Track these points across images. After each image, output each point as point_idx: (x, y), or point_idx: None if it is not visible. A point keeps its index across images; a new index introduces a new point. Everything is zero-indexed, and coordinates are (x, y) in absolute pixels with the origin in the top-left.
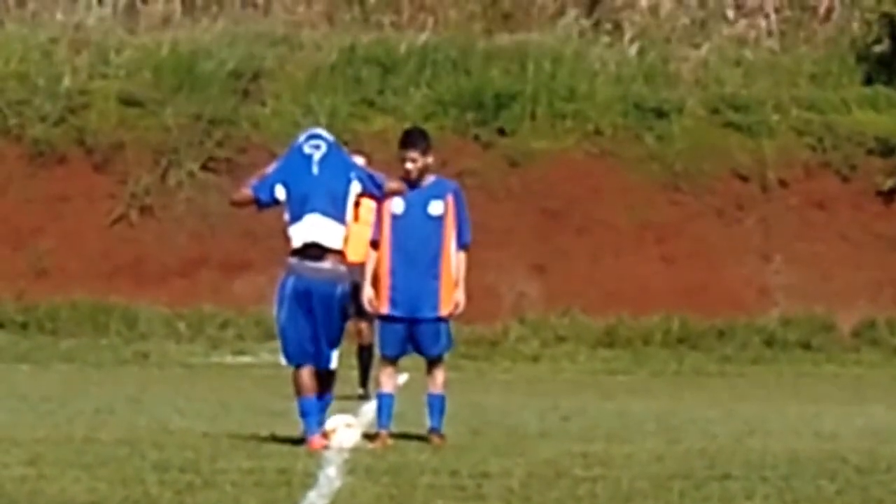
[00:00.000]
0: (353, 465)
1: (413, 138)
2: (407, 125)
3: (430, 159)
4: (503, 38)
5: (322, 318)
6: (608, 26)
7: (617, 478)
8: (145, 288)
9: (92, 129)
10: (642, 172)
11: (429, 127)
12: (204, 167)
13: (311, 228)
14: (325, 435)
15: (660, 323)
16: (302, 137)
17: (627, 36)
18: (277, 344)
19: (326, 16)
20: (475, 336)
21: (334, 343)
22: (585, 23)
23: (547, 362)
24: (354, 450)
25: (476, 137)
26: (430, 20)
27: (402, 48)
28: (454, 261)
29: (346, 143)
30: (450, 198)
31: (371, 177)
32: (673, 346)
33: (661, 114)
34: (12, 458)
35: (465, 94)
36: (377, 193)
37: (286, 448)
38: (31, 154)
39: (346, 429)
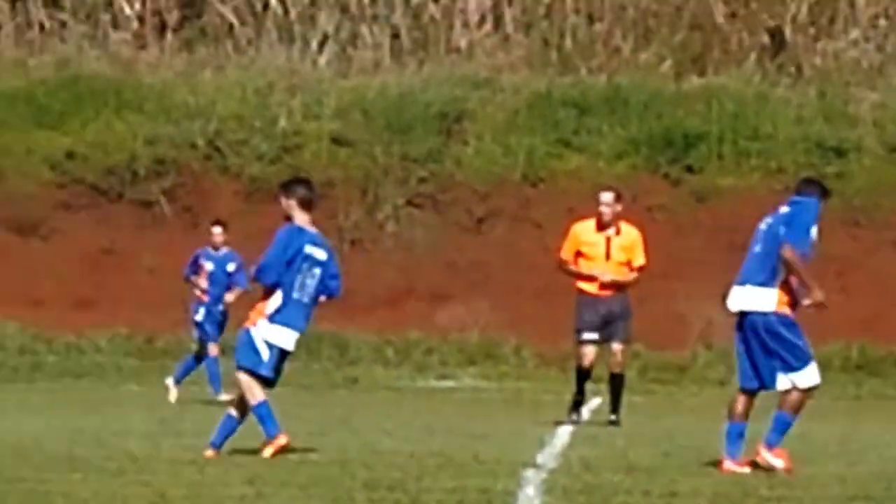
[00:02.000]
0: (551, 484)
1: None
2: (601, 164)
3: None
4: (691, 81)
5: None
6: (790, 69)
7: (800, 498)
8: (355, 316)
9: (305, 168)
10: (823, 208)
11: (621, 165)
12: (409, 203)
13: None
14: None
15: (840, 350)
16: None
17: (807, 78)
18: (478, 369)
19: (526, 60)
20: (665, 362)
21: (781, 366)
22: (769, 66)
23: (733, 387)
24: (552, 470)
25: (666, 175)
26: (623, 64)
27: (597, 91)
28: None
29: (542, 181)
30: None
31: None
32: (852, 372)
33: (840, 152)
34: (232, 477)
35: (655, 134)
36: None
37: (487, 468)
38: (248, 191)
39: None
